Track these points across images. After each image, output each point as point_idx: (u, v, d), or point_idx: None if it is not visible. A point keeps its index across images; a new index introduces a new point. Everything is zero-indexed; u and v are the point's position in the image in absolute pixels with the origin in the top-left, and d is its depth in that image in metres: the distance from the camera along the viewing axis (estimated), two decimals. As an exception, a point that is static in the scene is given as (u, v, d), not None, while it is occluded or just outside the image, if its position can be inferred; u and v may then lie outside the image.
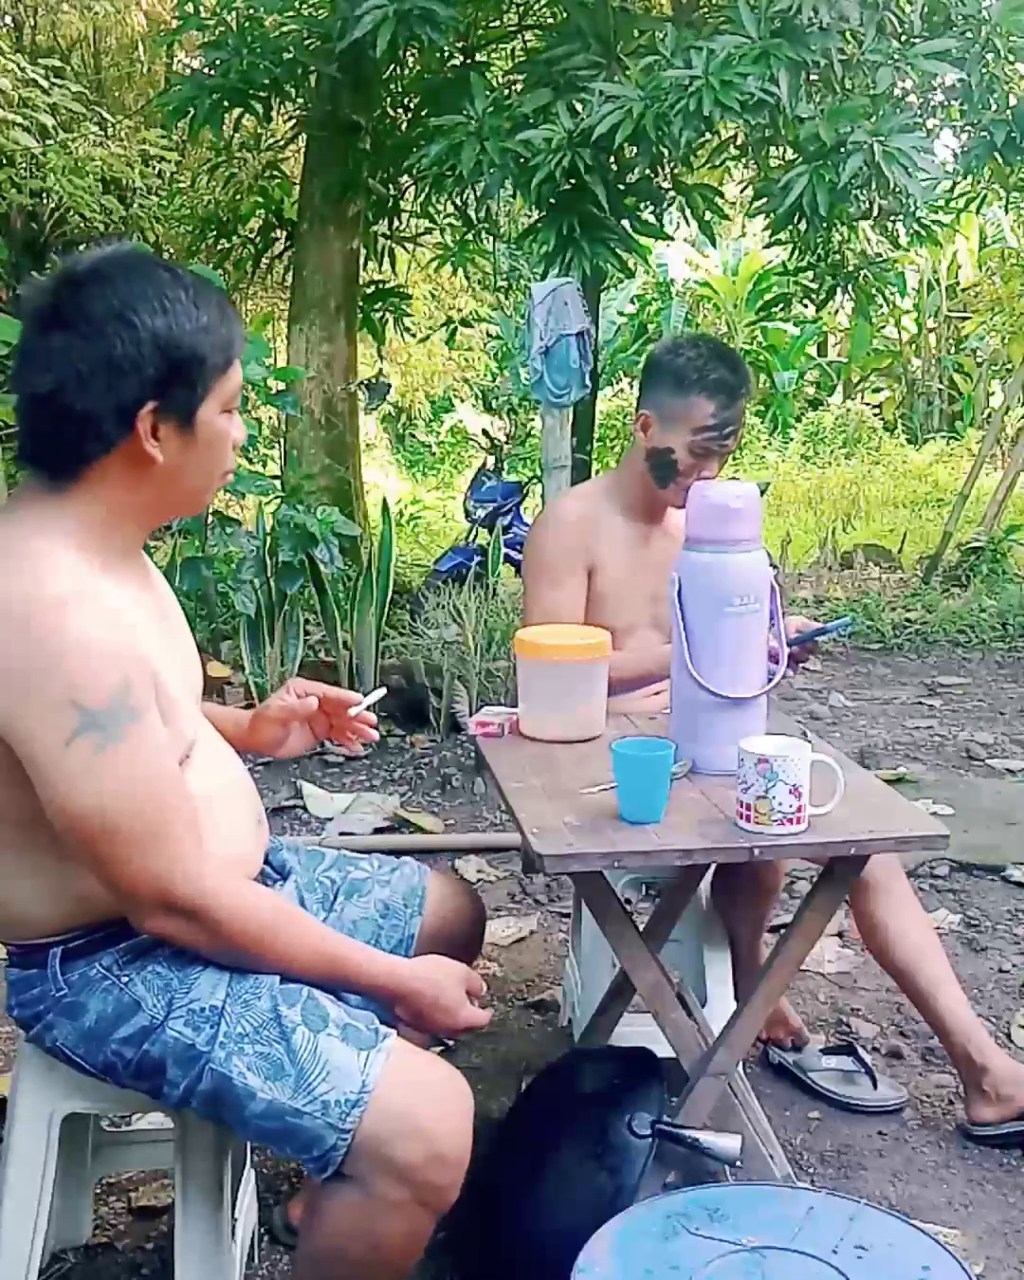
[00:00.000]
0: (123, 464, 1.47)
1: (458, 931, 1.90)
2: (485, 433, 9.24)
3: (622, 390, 14.92)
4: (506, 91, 5.57)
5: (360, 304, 7.05)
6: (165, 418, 1.46)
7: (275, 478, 5.20)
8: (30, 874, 1.51)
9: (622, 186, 5.14)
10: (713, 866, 2.22)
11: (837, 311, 12.74)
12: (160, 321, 1.43)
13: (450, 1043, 2.60)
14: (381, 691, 2.06)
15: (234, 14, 5.63)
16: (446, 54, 6.05)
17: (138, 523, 1.53)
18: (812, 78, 4.90)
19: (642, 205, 5.46)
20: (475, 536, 7.22)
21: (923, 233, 5.81)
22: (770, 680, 2.00)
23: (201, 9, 5.72)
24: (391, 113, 6.69)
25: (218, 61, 5.55)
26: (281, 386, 5.09)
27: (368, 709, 1.87)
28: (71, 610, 1.38)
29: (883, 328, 15.30)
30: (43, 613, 1.37)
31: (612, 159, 4.97)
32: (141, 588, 1.57)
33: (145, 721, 1.41)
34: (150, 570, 1.65)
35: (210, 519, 4.77)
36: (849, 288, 6.36)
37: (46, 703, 1.37)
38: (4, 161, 6.19)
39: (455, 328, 8.18)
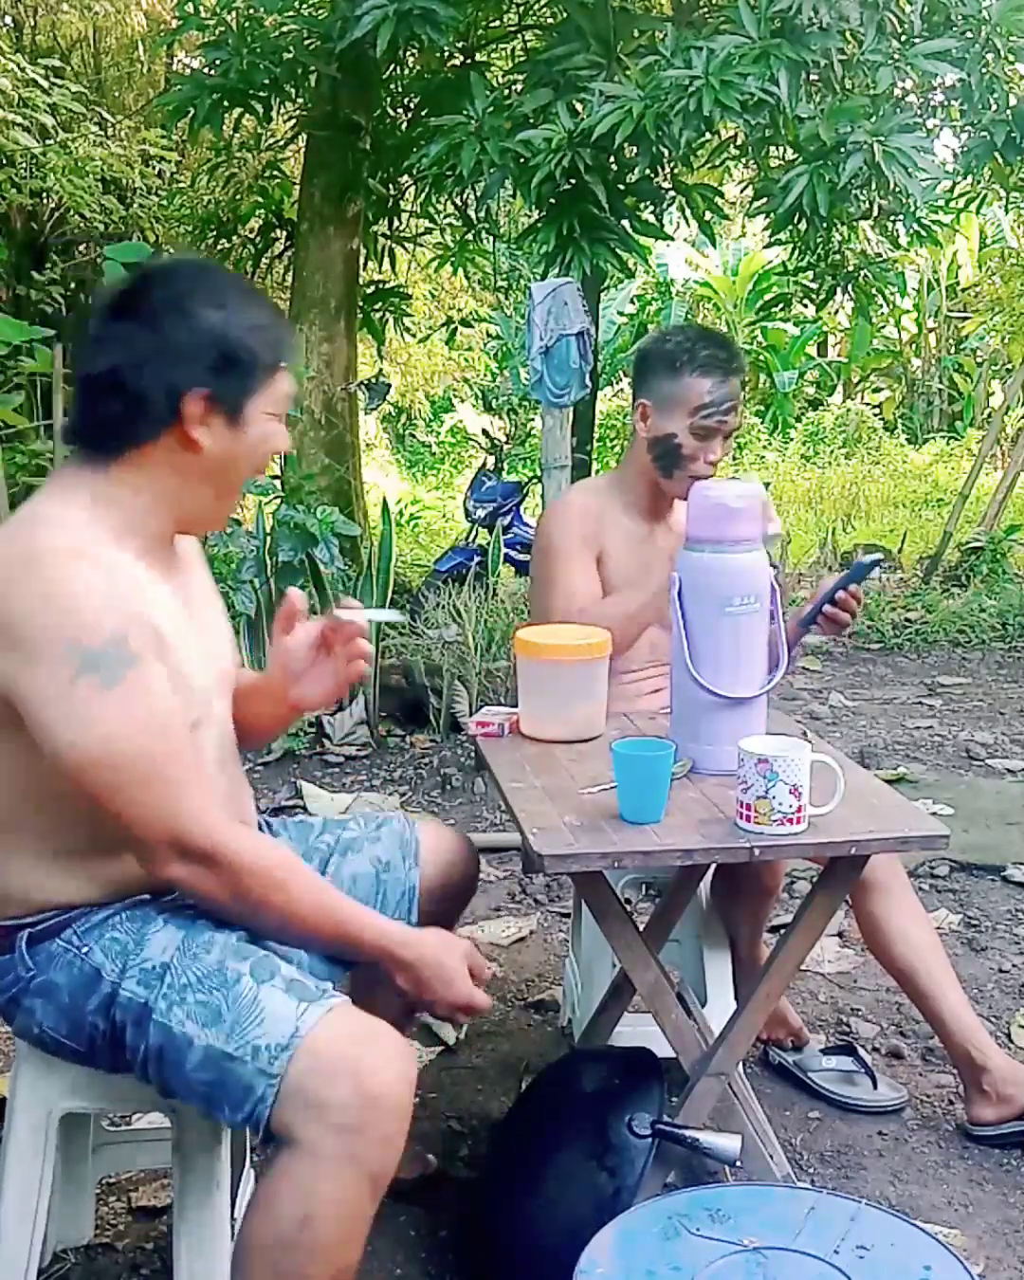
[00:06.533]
0: (168, 450, 1.54)
1: (456, 878, 1.95)
2: (485, 433, 9.24)
3: (621, 390, 14.90)
4: (506, 91, 5.56)
5: (360, 304, 7.04)
6: (214, 407, 1.53)
7: (275, 478, 5.18)
8: (9, 850, 1.53)
9: (622, 186, 5.14)
10: (713, 866, 2.22)
11: (837, 311, 12.74)
12: (216, 315, 1.52)
13: (452, 1046, 2.60)
14: (395, 614, 2.17)
15: (234, 14, 5.63)
16: (446, 54, 6.05)
17: (170, 514, 1.57)
18: (812, 78, 4.90)
19: (642, 205, 5.46)
20: (475, 536, 7.23)
21: (923, 233, 5.80)
22: (781, 670, 2.00)
23: (201, 9, 5.71)
24: (391, 113, 6.68)
25: (218, 61, 5.55)
26: (282, 386, 5.08)
27: (375, 622, 1.85)
28: (70, 561, 1.43)
29: (883, 328, 15.29)
30: (42, 563, 1.43)
31: (611, 159, 4.97)
32: (166, 572, 1.60)
33: (144, 667, 1.45)
34: (188, 562, 1.68)
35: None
36: (849, 288, 6.37)
37: (48, 646, 1.41)
38: (4, 161, 6.18)
39: (455, 328, 8.17)
